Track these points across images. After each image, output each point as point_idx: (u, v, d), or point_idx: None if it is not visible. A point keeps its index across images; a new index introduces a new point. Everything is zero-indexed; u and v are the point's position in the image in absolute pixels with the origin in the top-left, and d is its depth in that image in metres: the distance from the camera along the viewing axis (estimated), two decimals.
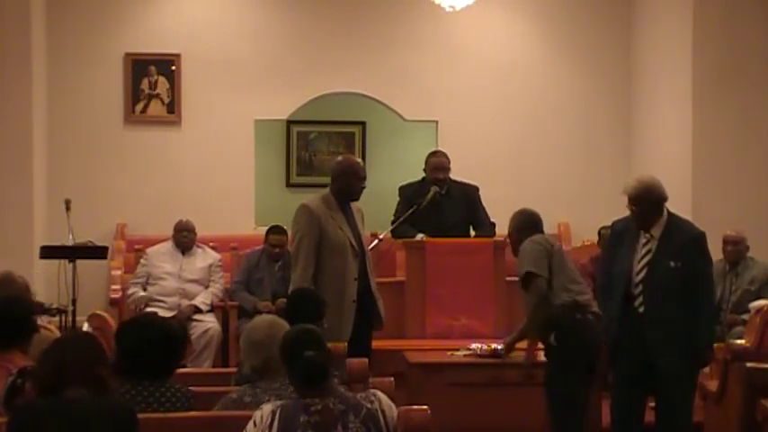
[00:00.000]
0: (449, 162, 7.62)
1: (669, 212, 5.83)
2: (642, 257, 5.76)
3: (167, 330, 4.11)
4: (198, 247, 8.57)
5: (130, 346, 3.95)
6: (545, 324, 5.74)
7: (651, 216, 5.74)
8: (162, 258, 8.45)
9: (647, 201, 5.70)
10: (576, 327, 5.65)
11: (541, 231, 5.99)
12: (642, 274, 5.73)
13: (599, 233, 8.05)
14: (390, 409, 3.47)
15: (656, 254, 5.71)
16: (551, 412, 5.75)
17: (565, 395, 5.66)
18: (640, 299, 5.72)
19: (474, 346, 6.41)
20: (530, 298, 5.80)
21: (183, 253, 8.48)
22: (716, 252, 7.60)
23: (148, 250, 8.53)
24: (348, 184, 6.26)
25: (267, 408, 3.41)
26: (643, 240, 5.77)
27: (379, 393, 3.53)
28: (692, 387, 5.76)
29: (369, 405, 3.45)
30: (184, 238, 8.48)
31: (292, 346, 3.54)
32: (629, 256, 5.78)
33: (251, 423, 3.41)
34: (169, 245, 8.53)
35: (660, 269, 5.68)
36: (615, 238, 6.00)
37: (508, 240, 6.09)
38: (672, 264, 5.67)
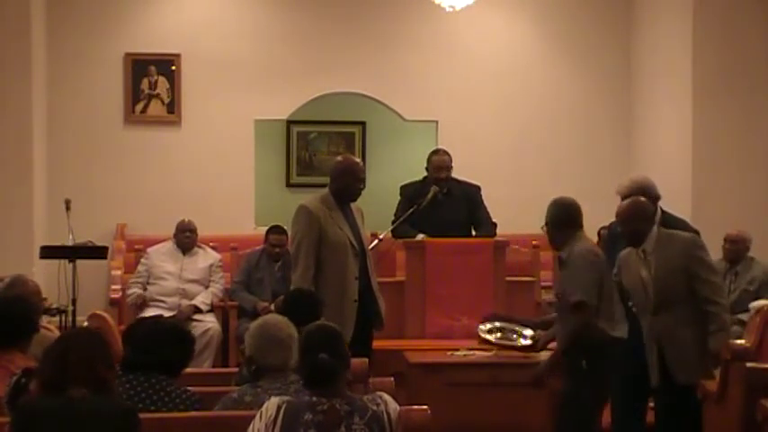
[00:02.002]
0: (451, 161, 7.60)
1: (663, 211, 5.84)
2: None
3: (180, 330, 4.23)
4: (199, 247, 8.57)
5: (144, 342, 4.00)
6: (582, 347, 5.38)
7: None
8: (162, 258, 8.45)
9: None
10: (611, 353, 5.38)
11: (581, 226, 5.59)
12: None
13: (599, 233, 8.05)
14: (395, 412, 3.48)
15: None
16: (564, 427, 5.49)
17: (584, 414, 5.40)
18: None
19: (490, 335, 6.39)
20: (570, 322, 5.37)
21: (184, 253, 8.48)
22: (716, 252, 7.61)
23: (149, 250, 8.53)
24: (347, 185, 6.26)
25: (274, 401, 3.42)
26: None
27: (386, 396, 3.53)
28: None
29: (374, 407, 3.45)
30: (187, 239, 8.48)
31: (310, 342, 3.53)
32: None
33: (257, 415, 3.43)
34: (170, 245, 8.53)
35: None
36: (612, 241, 6.00)
37: (544, 230, 5.63)
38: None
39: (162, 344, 4.02)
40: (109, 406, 3.32)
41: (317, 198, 6.30)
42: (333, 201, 6.26)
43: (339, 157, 6.63)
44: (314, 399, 3.42)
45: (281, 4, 9.89)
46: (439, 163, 7.57)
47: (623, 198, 5.78)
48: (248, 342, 4.14)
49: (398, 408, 3.51)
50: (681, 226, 5.84)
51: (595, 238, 8.40)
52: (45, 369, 3.40)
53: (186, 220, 8.54)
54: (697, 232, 5.83)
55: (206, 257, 8.53)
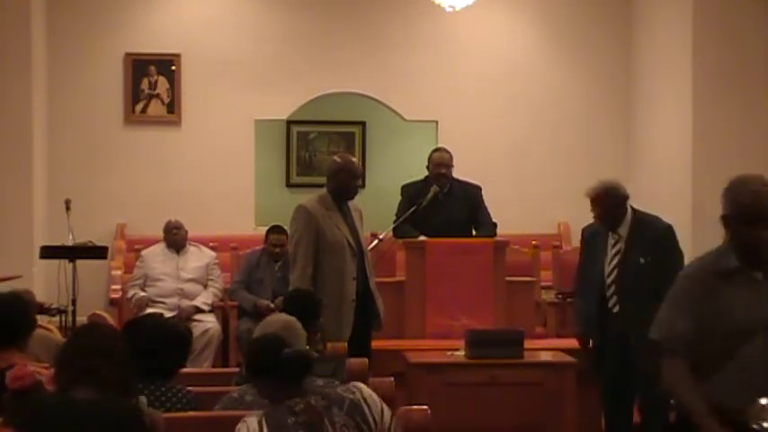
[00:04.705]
0: (451, 159, 7.59)
1: (634, 210, 5.85)
2: (612, 258, 5.79)
3: (177, 330, 4.20)
4: (192, 245, 8.58)
5: (143, 345, 3.95)
6: None
7: (615, 215, 5.77)
8: (157, 259, 8.45)
9: (607, 201, 5.74)
10: None
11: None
12: (613, 275, 5.77)
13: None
14: (371, 397, 3.44)
15: (626, 252, 5.75)
16: None
17: None
18: (614, 299, 5.77)
19: None
20: None
21: (178, 252, 8.48)
22: None
23: (143, 252, 8.53)
24: (344, 183, 6.27)
25: (252, 420, 3.32)
26: (612, 241, 5.80)
27: (359, 384, 3.49)
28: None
29: (351, 396, 3.41)
30: (175, 236, 8.49)
31: (268, 351, 3.48)
32: (601, 258, 5.80)
33: None
34: (163, 246, 8.54)
35: (630, 267, 5.71)
36: (586, 243, 6.03)
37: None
38: (642, 260, 5.70)
39: (158, 346, 3.99)
40: (113, 406, 3.26)
41: (316, 198, 6.31)
42: (331, 200, 6.27)
43: (335, 157, 6.65)
44: (288, 402, 3.36)
45: (282, 4, 9.89)
46: (439, 159, 7.57)
47: (590, 201, 5.82)
48: None
49: (373, 393, 3.47)
50: (653, 222, 5.89)
51: None
52: (55, 368, 3.37)
53: (173, 219, 8.57)
54: (670, 227, 5.86)
55: (200, 256, 8.53)
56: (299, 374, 3.43)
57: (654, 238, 5.75)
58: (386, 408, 3.46)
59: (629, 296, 5.70)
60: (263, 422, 3.30)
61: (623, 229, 5.78)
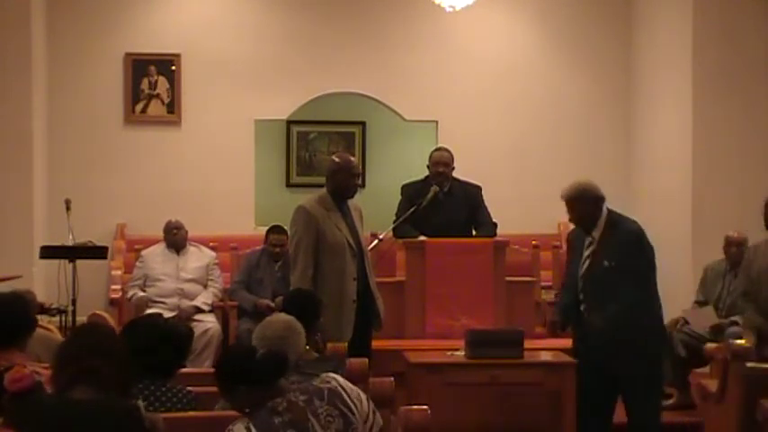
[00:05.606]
0: (451, 158, 7.59)
1: (610, 212, 5.79)
2: (584, 261, 5.75)
3: (175, 329, 4.19)
4: (192, 245, 8.59)
5: (141, 345, 3.95)
6: None
7: (589, 217, 5.73)
8: (157, 260, 8.46)
9: (581, 202, 5.72)
10: None
11: None
12: (584, 279, 5.73)
13: None
14: (347, 384, 3.45)
15: (594, 255, 5.70)
16: None
17: None
18: (584, 303, 5.74)
19: None
20: None
21: (178, 252, 8.49)
22: (717, 252, 7.60)
23: (143, 252, 8.54)
24: (342, 182, 6.28)
25: (239, 426, 3.32)
26: (586, 244, 5.77)
27: (332, 374, 3.50)
28: (654, 386, 5.76)
29: (328, 385, 3.41)
30: (175, 236, 8.50)
31: (241, 359, 3.50)
32: (578, 261, 5.79)
33: None
34: (163, 246, 8.55)
35: (597, 270, 5.67)
36: (570, 247, 6.02)
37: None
38: (606, 263, 5.64)
39: (158, 346, 3.99)
40: (113, 406, 3.25)
41: (315, 198, 6.32)
42: (330, 200, 6.27)
43: (334, 156, 6.68)
44: (270, 403, 3.35)
45: (282, 4, 9.89)
46: (438, 158, 7.57)
47: (565, 202, 5.80)
48: None
49: (348, 382, 3.48)
50: (624, 225, 5.80)
51: None
52: (52, 368, 3.37)
53: (173, 219, 8.58)
54: (637, 231, 5.77)
55: (201, 256, 8.54)
56: (277, 374, 3.42)
57: (621, 242, 5.67)
58: (362, 393, 3.47)
59: (592, 300, 5.69)
60: (251, 427, 3.30)
61: (596, 232, 5.72)
